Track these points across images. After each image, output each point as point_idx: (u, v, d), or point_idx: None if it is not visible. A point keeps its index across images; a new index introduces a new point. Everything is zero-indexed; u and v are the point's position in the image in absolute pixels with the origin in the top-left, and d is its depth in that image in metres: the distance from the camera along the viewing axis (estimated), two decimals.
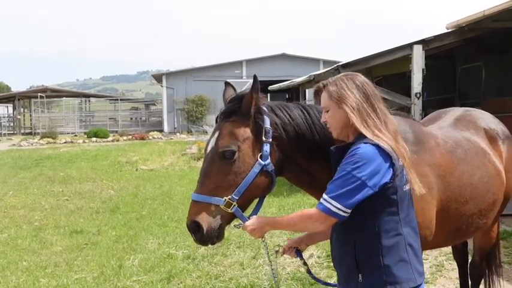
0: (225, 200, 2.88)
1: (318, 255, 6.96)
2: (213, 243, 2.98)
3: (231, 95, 3.26)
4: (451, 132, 4.01)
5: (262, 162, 2.93)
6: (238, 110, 3.02)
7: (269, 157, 2.95)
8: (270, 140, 2.97)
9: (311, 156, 3.06)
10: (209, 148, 3.03)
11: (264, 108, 3.05)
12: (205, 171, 2.98)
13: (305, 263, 3.33)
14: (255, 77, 2.98)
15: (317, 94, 2.89)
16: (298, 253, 3.26)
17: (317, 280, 3.64)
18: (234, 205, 2.90)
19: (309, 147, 3.05)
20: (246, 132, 2.98)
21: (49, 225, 9.78)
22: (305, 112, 3.13)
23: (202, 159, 3.16)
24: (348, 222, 2.61)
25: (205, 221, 2.88)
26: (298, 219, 2.68)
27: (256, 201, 3.11)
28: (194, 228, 2.91)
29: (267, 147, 2.95)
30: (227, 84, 3.41)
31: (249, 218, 2.94)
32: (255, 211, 3.07)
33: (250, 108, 2.99)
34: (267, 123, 2.98)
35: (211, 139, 3.04)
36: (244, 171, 2.92)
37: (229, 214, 2.92)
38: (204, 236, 2.90)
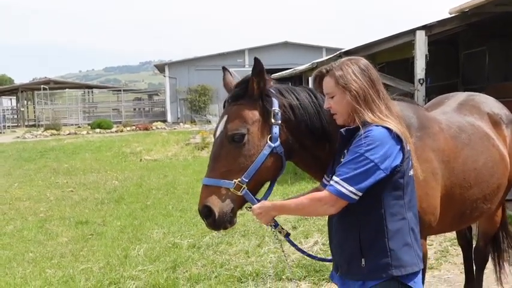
0: (235, 182, 2.85)
1: (323, 242, 6.97)
2: (225, 228, 2.94)
3: (230, 80, 3.26)
4: (454, 117, 3.98)
5: (272, 144, 2.90)
6: (245, 93, 3.00)
7: (278, 139, 2.93)
8: (279, 122, 2.95)
9: (319, 140, 3.04)
10: (218, 132, 3.00)
11: (272, 90, 3.04)
12: (215, 155, 2.96)
13: (281, 231, 3.11)
14: (256, 60, 2.95)
15: (318, 79, 2.87)
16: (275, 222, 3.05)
17: (301, 251, 3.56)
18: (244, 188, 2.87)
19: (317, 131, 3.02)
20: (254, 114, 2.95)
21: (54, 217, 9.82)
22: (312, 95, 3.10)
23: (211, 146, 3.15)
24: (354, 206, 2.60)
25: (217, 205, 2.86)
26: (307, 203, 2.66)
27: (266, 186, 3.09)
28: (206, 212, 2.88)
29: (276, 129, 2.93)
30: (225, 69, 3.40)
31: (259, 201, 2.93)
32: (266, 195, 3.05)
33: (259, 90, 2.97)
34: (276, 106, 2.96)
35: (220, 123, 3.01)
36: (254, 153, 2.89)
37: (239, 197, 2.89)
38: (216, 220, 2.87)
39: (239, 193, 2.87)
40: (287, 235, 3.15)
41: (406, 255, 2.64)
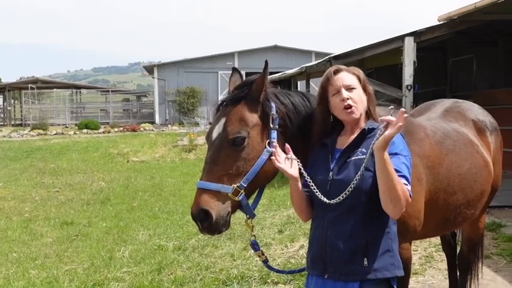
0: (234, 187, 2.83)
1: None
2: (220, 232, 2.91)
3: (236, 80, 3.25)
4: (440, 123, 4.02)
5: (270, 150, 2.88)
6: (247, 95, 2.98)
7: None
8: (277, 127, 2.95)
9: (307, 143, 3.04)
10: (215, 134, 2.95)
11: (270, 94, 3.04)
12: (213, 158, 2.90)
13: (260, 256, 3.18)
14: (266, 63, 2.96)
15: (333, 74, 2.85)
16: (256, 245, 3.12)
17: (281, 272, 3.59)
18: (242, 193, 2.85)
19: (307, 135, 3.03)
20: (254, 118, 2.94)
21: (39, 217, 9.76)
22: (305, 100, 3.13)
23: (198, 148, 3.12)
24: (364, 205, 2.64)
25: (215, 209, 2.81)
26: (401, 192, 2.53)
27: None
28: (202, 216, 2.82)
29: (274, 135, 2.93)
30: (235, 69, 3.38)
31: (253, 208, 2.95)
32: (256, 201, 3.05)
33: (260, 94, 2.97)
34: (273, 110, 2.97)
35: (217, 125, 2.97)
36: (253, 158, 2.87)
37: (236, 202, 2.87)
38: (212, 225, 2.82)
39: (236, 198, 2.85)
40: (265, 261, 3.20)
41: (399, 257, 2.74)
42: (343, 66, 2.91)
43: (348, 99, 2.75)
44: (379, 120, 2.84)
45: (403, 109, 2.36)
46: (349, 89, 2.78)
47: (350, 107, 2.76)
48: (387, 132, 2.39)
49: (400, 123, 2.35)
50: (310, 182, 2.77)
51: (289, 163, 2.80)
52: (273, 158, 2.80)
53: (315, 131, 2.96)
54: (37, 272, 6.52)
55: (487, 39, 14.41)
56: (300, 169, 2.82)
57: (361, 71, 2.91)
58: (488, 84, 14.88)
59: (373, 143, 2.51)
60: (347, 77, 2.82)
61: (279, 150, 2.83)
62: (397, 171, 2.54)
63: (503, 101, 12.49)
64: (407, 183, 2.59)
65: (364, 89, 2.84)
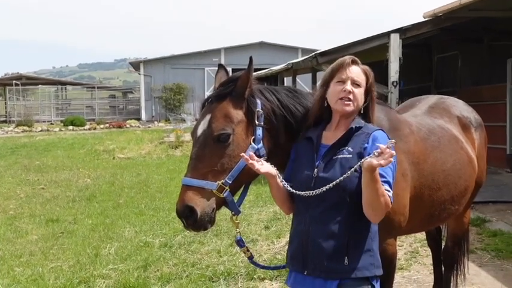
0: (218, 184, 2.83)
1: None
2: (205, 229, 2.90)
3: (222, 76, 3.23)
4: (425, 119, 4.05)
5: (255, 146, 2.90)
6: (232, 92, 2.98)
7: (261, 141, 2.93)
8: (262, 123, 2.95)
9: (292, 137, 3.04)
10: (200, 131, 2.95)
11: (255, 91, 3.04)
12: (197, 154, 2.90)
13: (246, 252, 3.16)
14: (250, 59, 2.96)
15: (350, 64, 2.84)
16: (241, 241, 3.10)
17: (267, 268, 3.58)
18: (227, 189, 2.85)
19: (293, 130, 3.03)
20: (239, 114, 2.94)
21: (24, 214, 9.68)
22: (291, 94, 3.13)
23: (185, 145, 3.10)
24: (347, 204, 2.64)
25: (199, 205, 2.81)
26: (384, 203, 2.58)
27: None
28: (187, 213, 2.82)
29: (259, 131, 2.93)
30: (221, 66, 3.37)
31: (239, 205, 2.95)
32: (241, 198, 3.05)
33: (245, 90, 2.96)
34: (259, 107, 2.96)
35: (202, 122, 2.97)
36: (238, 154, 2.86)
37: (221, 199, 2.87)
38: (197, 221, 2.82)
39: (221, 195, 2.85)
40: (251, 257, 3.17)
41: (378, 256, 2.74)
42: (359, 61, 2.90)
43: (350, 92, 2.76)
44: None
45: (393, 152, 2.37)
46: (355, 84, 2.78)
47: (349, 99, 2.76)
48: (375, 162, 2.39)
49: (383, 161, 2.37)
50: (285, 184, 2.78)
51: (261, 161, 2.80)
52: (242, 154, 2.79)
53: (311, 113, 2.97)
54: (22, 269, 6.47)
55: (471, 36, 14.51)
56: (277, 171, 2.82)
57: (372, 73, 2.89)
58: (473, 80, 14.99)
59: (362, 162, 2.49)
60: (358, 73, 2.82)
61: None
62: (381, 175, 2.55)
63: (488, 97, 12.61)
64: (389, 189, 2.60)
65: (368, 91, 2.85)
